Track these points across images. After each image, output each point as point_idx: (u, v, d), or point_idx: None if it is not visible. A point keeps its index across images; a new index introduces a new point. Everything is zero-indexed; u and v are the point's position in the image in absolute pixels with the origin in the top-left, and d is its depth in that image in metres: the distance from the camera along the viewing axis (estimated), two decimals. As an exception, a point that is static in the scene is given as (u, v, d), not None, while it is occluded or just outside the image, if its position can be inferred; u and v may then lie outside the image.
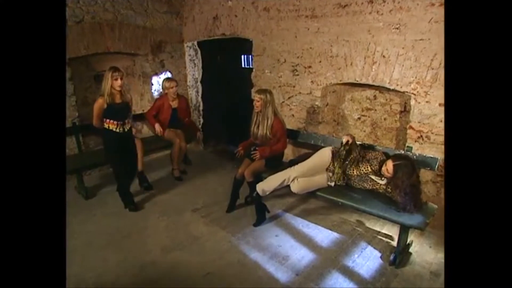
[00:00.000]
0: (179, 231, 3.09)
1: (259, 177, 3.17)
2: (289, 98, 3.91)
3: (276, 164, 3.23)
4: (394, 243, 2.88)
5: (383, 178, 2.64)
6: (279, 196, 3.59)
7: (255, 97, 3.11)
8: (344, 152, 2.83)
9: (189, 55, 4.90)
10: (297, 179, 2.82)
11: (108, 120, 3.08)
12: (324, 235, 3.01)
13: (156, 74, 4.68)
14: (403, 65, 2.93)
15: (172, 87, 4.09)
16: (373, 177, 2.68)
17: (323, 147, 3.27)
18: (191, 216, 3.36)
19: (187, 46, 4.88)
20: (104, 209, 3.51)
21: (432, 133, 2.90)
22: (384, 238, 2.96)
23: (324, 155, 2.89)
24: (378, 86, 3.35)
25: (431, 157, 2.64)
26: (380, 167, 2.61)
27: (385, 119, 3.60)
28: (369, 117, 3.72)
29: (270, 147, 3.16)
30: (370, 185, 2.71)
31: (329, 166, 2.87)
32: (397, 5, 2.85)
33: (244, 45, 4.56)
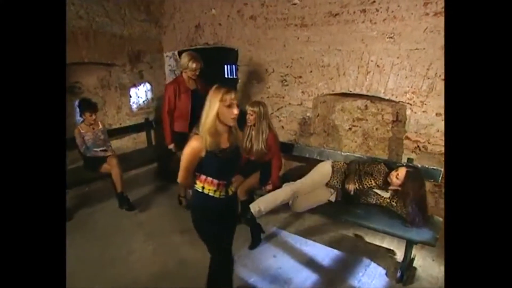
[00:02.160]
0: (169, 256, 2.83)
1: (252, 195, 2.99)
2: (278, 109, 3.78)
3: (268, 181, 3.04)
4: (397, 258, 2.79)
5: (388, 191, 2.54)
6: (272, 211, 3.40)
7: (248, 110, 2.93)
8: (345, 166, 2.72)
9: (169, 65, 4.66)
10: (296, 197, 2.66)
11: (203, 177, 1.81)
12: (324, 253, 2.86)
13: (135, 85, 4.39)
14: (398, 75, 2.88)
15: (195, 70, 3.08)
16: (377, 191, 2.58)
17: (318, 160, 3.16)
18: (181, 238, 3.10)
19: (167, 56, 4.64)
20: (84, 232, 3.17)
21: (429, 143, 2.86)
22: (386, 253, 2.86)
23: (323, 170, 2.75)
24: (369, 96, 3.29)
25: (434, 169, 2.58)
26: (385, 179, 2.51)
27: (377, 129, 3.55)
28: (360, 127, 3.66)
29: (275, 172, 2.98)
30: (374, 199, 2.60)
31: (329, 181, 2.73)
32: (390, 14, 2.81)
33: (227, 55, 4.40)
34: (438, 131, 2.79)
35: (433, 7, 2.60)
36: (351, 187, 2.61)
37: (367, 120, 3.59)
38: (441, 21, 2.59)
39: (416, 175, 2.35)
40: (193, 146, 1.72)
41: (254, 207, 2.75)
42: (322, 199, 2.70)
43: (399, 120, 3.37)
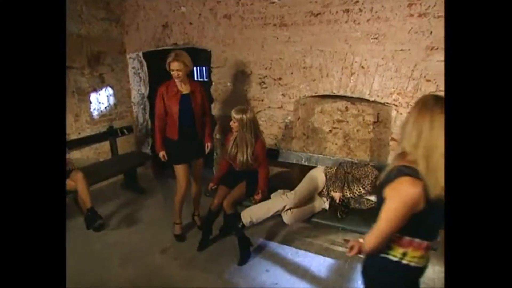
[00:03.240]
0: (152, 280, 2.53)
1: (236, 207, 2.78)
2: (257, 113, 3.59)
3: (256, 191, 2.85)
4: (390, 261, 2.75)
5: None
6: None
7: (232, 117, 2.69)
8: (337, 172, 2.61)
9: (133, 67, 4.27)
10: (290, 210, 2.50)
11: (408, 240, 1.28)
12: (318, 263, 2.74)
13: (95, 90, 3.96)
14: (383, 76, 2.85)
15: (177, 70, 2.68)
16: (368, 197, 2.50)
17: (304, 166, 3.04)
18: (162, 259, 2.81)
19: (130, 57, 4.25)
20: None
21: (415, 143, 2.86)
22: (379, 257, 2.81)
23: (316, 178, 2.63)
24: (350, 97, 3.24)
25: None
26: (374, 184, 2.43)
27: (357, 130, 3.52)
28: (341, 129, 3.61)
29: (263, 180, 2.79)
30: (366, 205, 2.52)
31: (322, 190, 2.61)
32: (374, 15, 2.76)
33: (197, 56, 4.14)
34: (423, 131, 2.80)
35: (417, 8, 2.59)
36: (336, 195, 2.51)
37: (347, 121, 3.55)
38: (425, 22, 2.59)
39: None
40: (412, 195, 1.15)
41: (246, 218, 2.56)
42: (316, 208, 2.57)
43: (380, 121, 3.37)
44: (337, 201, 2.49)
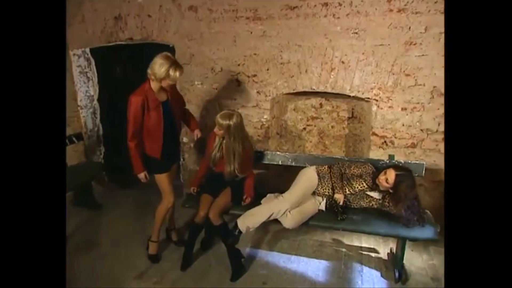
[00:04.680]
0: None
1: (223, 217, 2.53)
2: (229, 112, 3.35)
3: (242, 198, 2.62)
4: (381, 255, 2.76)
5: (379, 192, 2.43)
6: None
7: (217, 123, 2.39)
8: (329, 171, 2.51)
9: (79, 66, 3.69)
10: (289, 212, 2.33)
11: None
12: (314, 267, 2.62)
13: (32, 92, 3.32)
14: (364, 71, 2.83)
15: (177, 79, 2.31)
16: (369, 193, 2.44)
17: (281, 166, 2.90)
18: (139, 285, 2.42)
19: (74, 54, 3.66)
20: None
21: (395, 137, 2.91)
22: (370, 253, 2.79)
23: (311, 177, 2.49)
24: (324, 93, 3.19)
25: (417, 163, 2.59)
26: (373, 180, 2.40)
27: (332, 127, 3.50)
28: (315, 126, 3.55)
29: (250, 184, 2.59)
30: (366, 202, 2.46)
31: (317, 189, 2.49)
32: (354, 9, 2.73)
33: (156, 52, 3.75)
34: (403, 125, 2.86)
35: (396, 3, 2.62)
36: (340, 197, 2.41)
37: (322, 118, 3.50)
38: (403, 17, 2.63)
39: (406, 177, 2.27)
40: None
41: (242, 224, 2.34)
42: (313, 210, 2.44)
43: (354, 116, 3.38)
44: (341, 203, 2.38)
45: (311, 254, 2.79)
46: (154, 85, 2.34)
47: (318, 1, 2.80)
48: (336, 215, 2.35)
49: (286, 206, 2.32)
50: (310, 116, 3.54)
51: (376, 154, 2.97)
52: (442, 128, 2.75)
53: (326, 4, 2.79)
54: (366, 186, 2.41)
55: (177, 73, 2.23)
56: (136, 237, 3.01)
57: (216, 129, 2.42)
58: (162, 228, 2.78)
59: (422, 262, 2.67)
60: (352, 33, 2.78)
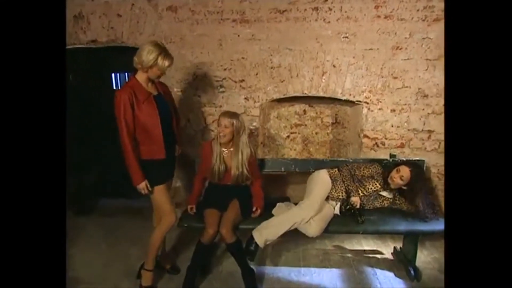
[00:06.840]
0: None
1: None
2: (213, 121, 3.11)
3: (251, 209, 2.40)
4: (387, 256, 2.75)
5: (390, 191, 2.43)
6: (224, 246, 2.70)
7: (222, 122, 2.21)
8: (343, 173, 2.45)
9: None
10: (312, 219, 2.17)
11: None
12: (326, 277, 2.48)
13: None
14: (354, 75, 2.89)
15: (166, 69, 2.03)
16: (382, 193, 2.43)
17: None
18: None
19: (18, 57, 3.05)
20: None
21: (386, 138, 2.99)
22: (376, 255, 2.76)
23: (325, 180, 2.38)
24: (307, 98, 3.16)
25: (418, 160, 2.67)
26: (385, 179, 2.39)
27: (316, 133, 3.48)
28: (299, 133, 3.49)
29: (260, 194, 2.40)
30: (379, 202, 2.43)
31: (330, 193, 2.39)
32: (344, 14, 2.79)
33: (117, 58, 3.36)
34: (392, 126, 2.96)
35: (383, 10, 2.75)
36: (356, 200, 2.35)
37: (306, 125, 3.47)
38: (390, 23, 2.77)
39: (419, 172, 2.33)
40: None
41: (259, 237, 2.11)
42: (330, 215, 2.32)
43: (337, 122, 3.42)
44: (357, 206, 2.31)
45: (319, 264, 2.65)
46: (140, 76, 2.05)
47: (308, 5, 2.80)
48: (355, 219, 2.26)
49: (311, 213, 2.16)
50: (294, 123, 3.47)
51: (368, 156, 3.01)
52: (427, 127, 2.92)
53: (316, 9, 2.80)
54: (379, 186, 2.39)
55: (166, 62, 1.99)
56: (117, 269, 2.52)
57: (221, 129, 2.22)
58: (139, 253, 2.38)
59: (425, 257, 2.73)
60: (343, 38, 2.83)
